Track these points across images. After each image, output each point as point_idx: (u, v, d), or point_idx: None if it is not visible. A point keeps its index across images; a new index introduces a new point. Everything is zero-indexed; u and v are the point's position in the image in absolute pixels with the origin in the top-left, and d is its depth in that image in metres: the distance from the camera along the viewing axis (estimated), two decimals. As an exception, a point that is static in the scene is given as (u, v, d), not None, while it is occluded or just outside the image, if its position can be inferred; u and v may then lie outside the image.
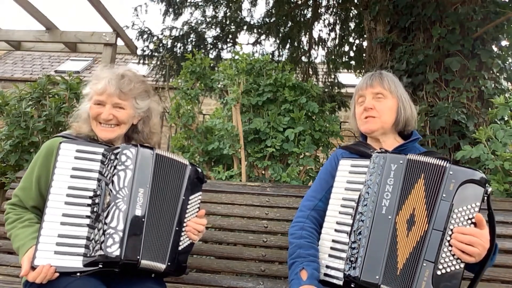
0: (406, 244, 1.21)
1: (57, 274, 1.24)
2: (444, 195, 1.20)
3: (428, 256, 1.18)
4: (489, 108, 3.38)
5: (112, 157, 1.36)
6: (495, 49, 3.67)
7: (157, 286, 1.37)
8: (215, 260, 1.88)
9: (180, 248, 1.43)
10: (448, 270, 1.16)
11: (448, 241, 1.18)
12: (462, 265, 1.16)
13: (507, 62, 3.63)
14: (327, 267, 1.31)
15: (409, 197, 1.25)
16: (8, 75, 11.47)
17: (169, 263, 1.37)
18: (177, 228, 1.42)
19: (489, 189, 1.20)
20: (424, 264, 1.18)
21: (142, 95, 1.54)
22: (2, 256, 1.87)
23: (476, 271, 1.23)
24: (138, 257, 1.29)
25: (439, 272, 1.16)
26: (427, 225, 1.21)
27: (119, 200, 1.30)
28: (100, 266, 1.27)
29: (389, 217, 1.24)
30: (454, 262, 1.17)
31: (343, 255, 1.29)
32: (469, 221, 1.18)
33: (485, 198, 1.20)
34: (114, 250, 1.25)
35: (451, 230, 1.18)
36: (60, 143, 1.38)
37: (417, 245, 1.20)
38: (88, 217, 1.32)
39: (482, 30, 3.49)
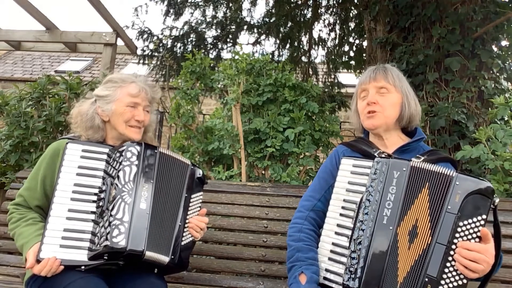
0: (408, 257, 1.17)
1: (62, 267, 1.26)
2: (449, 207, 1.15)
3: (430, 271, 1.13)
4: (489, 108, 3.38)
5: (117, 154, 1.40)
6: (495, 49, 3.67)
7: (159, 281, 1.38)
8: (215, 260, 1.88)
9: (183, 243, 1.46)
10: (451, 286, 1.12)
11: (452, 255, 1.13)
12: (465, 281, 1.12)
13: (507, 62, 3.63)
14: (327, 270, 1.28)
15: (412, 207, 1.20)
16: (8, 75, 11.48)
17: (172, 257, 1.40)
18: (180, 224, 1.45)
19: (496, 200, 1.15)
20: (426, 279, 1.13)
21: (157, 102, 1.66)
22: (2, 256, 1.87)
23: (480, 284, 1.20)
24: (143, 248, 1.31)
25: None
26: (430, 238, 1.16)
27: (124, 193, 1.34)
28: (105, 258, 1.29)
29: (390, 227, 1.19)
30: (457, 278, 1.12)
31: (343, 259, 1.25)
32: (474, 235, 1.13)
33: (492, 209, 1.16)
34: (120, 240, 1.28)
35: (455, 244, 1.13)
36: (67, 143, 1.41)
37: (419, 259, 1.16)
38: (93, 212, 1.35)
39: (482, 30, 3.49)
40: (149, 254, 1.32)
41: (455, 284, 1.12)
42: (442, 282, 1.13)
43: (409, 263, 1.17)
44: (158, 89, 1.63)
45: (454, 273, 1.13)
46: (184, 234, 1.47)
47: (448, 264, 1.13)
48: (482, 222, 1.13)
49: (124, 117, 1.50)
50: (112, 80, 1.55)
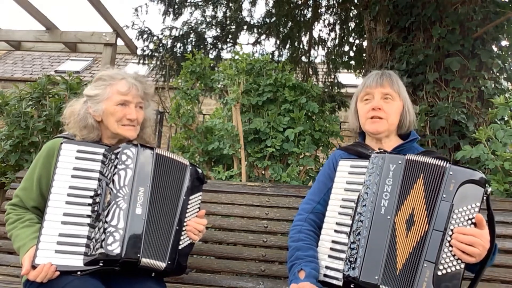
0: (406, 244, 1.21)
1: (57, 273, 1.25)
2: (444, 195, 1.20)
3: (428, 256, 1.18)
4: (489, 108, 3.38)
5: (113, 157, 1.37)
6: (495, 49, 3.67)
7: (157, 285, 1.37)
8: (215, 260, 1.88)
9: (180, 247, 1.44)
10: (449, 270, 1.16)
11: (449, 241, 1.17)
12: (463, 265, 1.16)
13: (507, 62, 3.63)
14: (327, 267, 1.31)
15: (408, 197, 1.25)
16: (8, 75, 11.48)
17: (169, 262, 1.38)
18: (177, 228, 1.42)
19: (489, 189, 1.20)
20: (425, 265, 1.17)
21: (152, 97, 1.60)
22: (2, 256, 1.87)
23: (476, 271, 1.24)
24: (139, 255, 1.29)
25: (439, 273, 1.16)
26: (427, 225, 1.20)
27: (119, 199, 1.31)
28: (101, 264, 1.27)
29: (388, 217, 1.24)
30: (455, 263, 1.16)
31: (343, 255, 1.28)
32: (469, 222, 1.17)
33: (485, 198, 1.20)
34: (114, 248, 1.26)
35: (452, 230, 1.18)
36: (61, 143, 1.38)
37: (417, 245, 1.20)
38: (89, 216, 1.33)
39: (482, 30, 3.49)
40: (145, 260, 1.30)
41: (453, 268, 1.16)
42: (440, 267, 1.17)
43: (407, 250, 1.21)
44: (151, 83, 1.57)
45: (451, 258, 1.17)
46: (182, 237, 1.44)
47: (445, 250, 1.17)
48: (477, 209, 1.18)
49: (116, 117, 1.46)
50: (102, 78, 1.50)
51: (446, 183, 1.21)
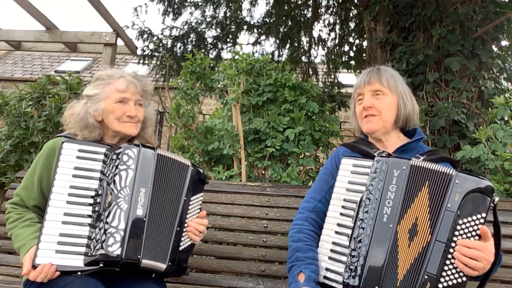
0: (407, 255, 1.18)
1: (58, 273, 1.24)
2: (449, 205, 1.16)
3: (430, 268, 1.14)
4: (489, 108, 3.38)
5: (114, 157, 1.37)
6: (495, 49, 3.67)
7: (157, 286, 1.37)
8: (215, 260, 1.88)
9: (181, 248, 1.43)
10: (450, 283, 1.12)
11: (451, 253, 1.14)
12: (465, 279, 1.13)
13: (507, 62, 3.63)
14: (327, 269, 1.29)
15: (412, 205, 1.21)
16: (8, 75, 11.48)
17: (169, 263, 1.37)
18: (178, 228, 1.42)
19: (496, 199, 1.16)
20: (426, 277, 1.14)
21: (152, 95, 1.60)
22: (2, 256, 1.87)
23: (480, 282, 1.21)
24: (139, 256, 1.29)
25: (440, 286, 1.13)
26: (430, 236, 1.17)
27: (120, 199, 1.31)
28: (101, 265, 1.27)
29: (390, 225, 1.20)
30: (457, 276, 1.12)
31: (343, 258, 1.26)
32: (474, 233, 1.13)
33: (491, 208, 1.16)
34: (115, 249, 1.25)
35: (455, 242, 1.14)
36: (63, 142, 1.38)
37: (418, 257, 1.17)
38: (89, 216, 1.33)
39: (482, 30, 3.49)
40: (145, 262, 1.30)
41: (454, 282, 1.13)
42: (442, 279, 1.13)
43: (409, 261, 1.18)
44: (149, 81, 1.57)
45: (453, 271, 1.13)
46: (183, 238, 1.44)
47: (447, 262, 1.14)
48: (482, 221, 1.14)
49: (115, 115, 1.46)
50: (100, 77, 1.51)
51: (452, 192, 1.17)
